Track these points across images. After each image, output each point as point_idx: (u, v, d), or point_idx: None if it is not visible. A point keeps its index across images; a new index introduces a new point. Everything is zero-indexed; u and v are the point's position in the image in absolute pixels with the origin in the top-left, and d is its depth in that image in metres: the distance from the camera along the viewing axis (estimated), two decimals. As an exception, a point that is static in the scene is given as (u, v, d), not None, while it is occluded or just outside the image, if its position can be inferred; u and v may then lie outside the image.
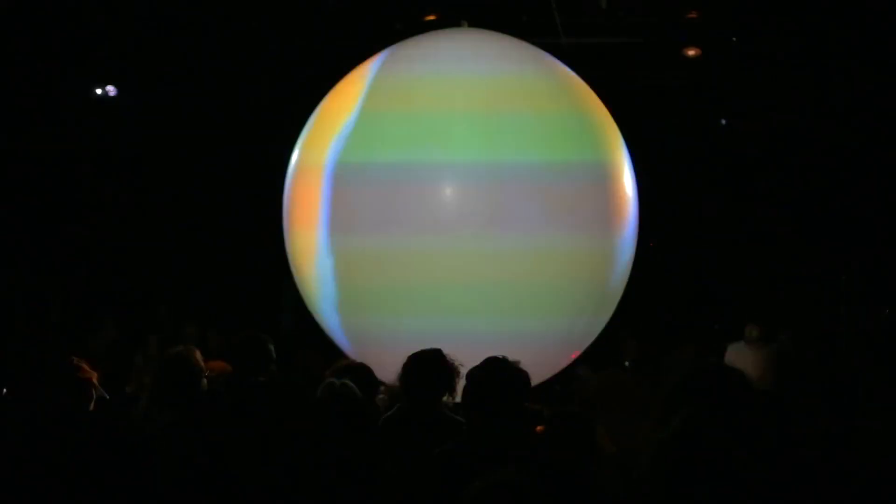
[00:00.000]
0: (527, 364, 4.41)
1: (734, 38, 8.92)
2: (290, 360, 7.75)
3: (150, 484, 2.66)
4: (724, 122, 10.67)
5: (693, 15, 8.59)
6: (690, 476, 1.97)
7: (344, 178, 5.39)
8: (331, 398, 3.86)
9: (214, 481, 2.67)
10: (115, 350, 7.98)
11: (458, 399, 4.10)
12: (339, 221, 5.33)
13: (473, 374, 3.72)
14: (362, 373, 4.87)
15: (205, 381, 4.41)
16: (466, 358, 4.02)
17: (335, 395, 3.86)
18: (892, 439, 3.31)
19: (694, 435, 2.02)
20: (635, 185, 5.60)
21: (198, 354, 4.48)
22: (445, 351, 4.37)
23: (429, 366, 4.27)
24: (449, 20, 7.60)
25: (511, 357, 4.26)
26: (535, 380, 5.92)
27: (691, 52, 8.99)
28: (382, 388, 5.19)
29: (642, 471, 2.07)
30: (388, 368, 4.62)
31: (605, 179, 5.36)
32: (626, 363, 8.59)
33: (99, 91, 10.05)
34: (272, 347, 4.97)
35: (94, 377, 4.25)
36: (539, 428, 5.35)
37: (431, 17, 8.13)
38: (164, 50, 9.13)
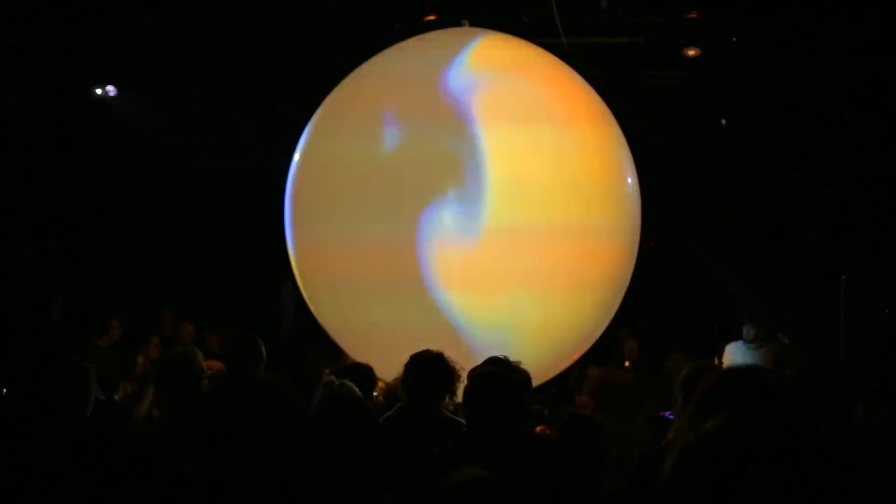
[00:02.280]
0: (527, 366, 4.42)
1: (734, 38, 8.91)
2: (294, 361, 7.75)
3: (150, 485, 2.66)
4: (723, 122, 10.66)
5: (693, 15, 8.57)
6: (721, 479, 1.96)
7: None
8: (330, 399, 3.86)
9: (213, 481, 2.67)
10: (119, 350, 7.99)
11: (459, 401, 4.10)
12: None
13: (475, 373, 3.72)
14: (362, 372, 4.87)
15: (206, 381, 4.41)
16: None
17: (334, 396, 3.86)
18: (893, 439, 3.32)
19: (730, 437, 2.01)
20: None
21: (199, 355, 4.48)
22: (447, 354, 4.37)
23: (430, 368, 4.27)
24: (449, 20, 7.59)
25: (512, 358, 4.26)
26: (537, 380, 5.95)
27: (691, 52, 8.98)
28: (380, 385, 5.18)
29: (668, 472, 2.05)
30: None
31: None
32: (627, 363, 8.59)
33: (99, 91, 10.05)
34: (263, 347, 4.97)
35: (93, 378, 4.26)
36: (539, 428, 5.34)
37: (431, 17, 8.12)
38: (164, 50, 9.12)
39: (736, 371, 2.55)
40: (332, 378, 4.53)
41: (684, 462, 1.99)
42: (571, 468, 3.52)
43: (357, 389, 4.14)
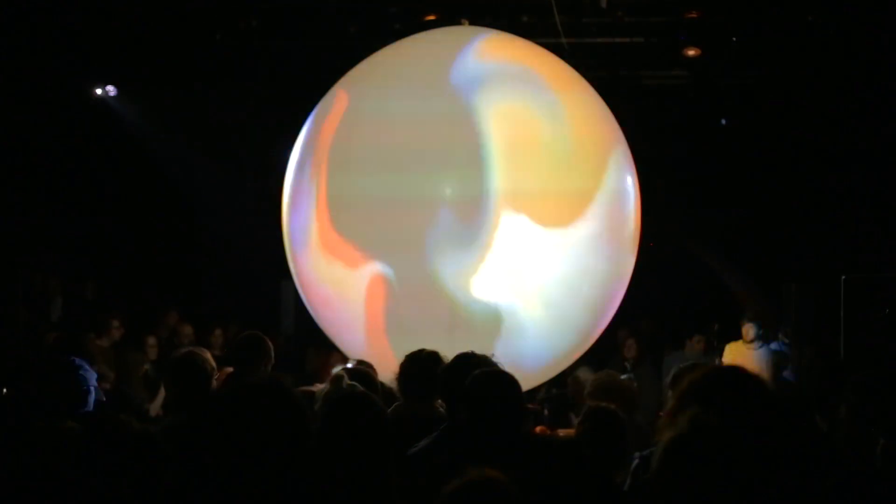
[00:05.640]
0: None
1: (734, 38, 8.91)
2: (294, 361, 7.75)
3: (152, 485, 2.66)
4: (724, 122, 10.67)
5: (693, 15, 8.58)
6: (697, 475, 1.97)
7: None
8: (337, 398, 3.85)
9: (218, 481, 2.67)
10: (119, 350, 7.99)
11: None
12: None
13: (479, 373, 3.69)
14: (362, 375, 4.85)
15: (214, 381, 4.40)
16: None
17: (342, 395, 3.86)
18: (891, 440, 3.31)
19: (700, 435, 2.03)
20: None
21: (207, 355, 4.47)
22: (442, 353, 4.36)
23: (426, 367, 4.27)
24: (449, 20, 7.60)
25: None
26: (538, 380, 5.96)
27: (691, 52, 8.98)
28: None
29: (652, 469, 2.07)
30: None
31: None
32: (626, 363, 8.60)
33: (99, 91, 10.06)
34: (271, 347, 4.97)
35: (93, 378, 4.26)
36: (539, 428, 5.34)
37: (431, 17, 8.12)
38: (164, 50, 9.13)
39: (715, 372, 2.56)
40: (343, 373, 4.53)
41: (667, 459, 2.01)
42: (586, 466, 3.49)
43: (362, 387, 4.14)
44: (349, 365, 5.08)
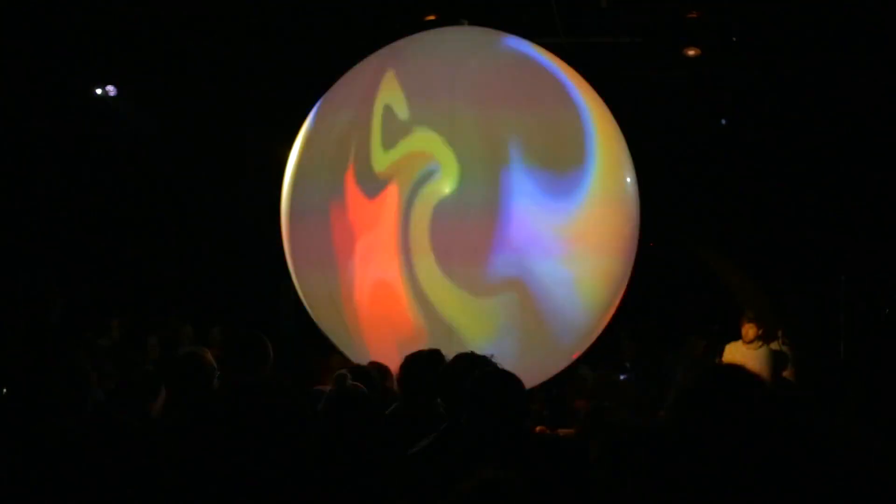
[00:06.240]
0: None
1: (734, 38, 8.92)
2: (295, 363, 7.74)
3: (153, 485, 2.66)
4: (724, 122, 10.67)
5: (693, 15, 8.59)
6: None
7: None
8: (340, 397, 3.86)
9: (219, 480, 2.68)
10: (119, 350, 7.99)
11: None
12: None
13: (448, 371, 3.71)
14: (363, 374, 4.86)
15: (216, 381, 4.40)
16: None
17: (345, 395, 3.86)
18: (891, 440, 3.31)
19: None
20: None
21: (208, 355, 4.47)
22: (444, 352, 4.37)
23: (426, 367, 4.27)
24: (449, 20, 7.59)
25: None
26: (537, 380, 5.96)
27: (691, 52, 8.99)
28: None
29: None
30: None
31: None
32: (626, 364, 8.60)
33: (99, 91, 10.06)
34: (270, 347, 4.96)
35: (93, 378, 4.26)
36: (539, 428, 5.34)
37: (431, 17, 8.12)
38: (164, 50, 9.13)
39: (715, 371, 2.57)
40: (345, 371, 4.53)
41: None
42: (586, 466, 3.49)
43: (365, 389, 4.14)
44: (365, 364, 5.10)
